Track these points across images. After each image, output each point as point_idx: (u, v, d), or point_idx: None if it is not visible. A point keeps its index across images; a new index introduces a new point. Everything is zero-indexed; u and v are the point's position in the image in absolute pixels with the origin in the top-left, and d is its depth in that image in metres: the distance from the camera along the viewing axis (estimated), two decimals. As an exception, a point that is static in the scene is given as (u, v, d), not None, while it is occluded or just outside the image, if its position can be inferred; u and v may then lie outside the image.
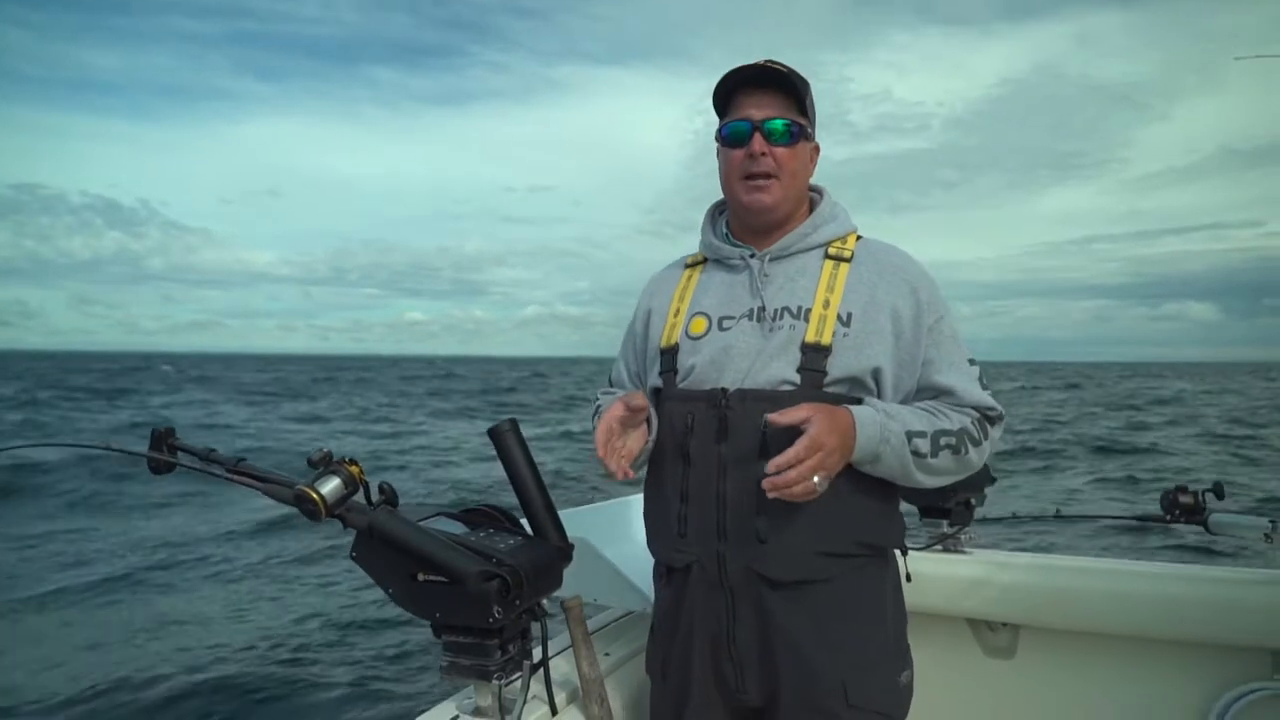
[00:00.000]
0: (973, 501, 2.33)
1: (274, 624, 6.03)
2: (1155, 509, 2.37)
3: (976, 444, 1.43)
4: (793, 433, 1.27)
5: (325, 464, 1.27)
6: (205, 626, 6.07)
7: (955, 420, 1.42)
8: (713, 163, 1.55)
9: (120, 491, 11.70)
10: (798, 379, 1.40)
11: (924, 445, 1.37)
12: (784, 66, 1.46)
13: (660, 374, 1.54)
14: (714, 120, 1.54)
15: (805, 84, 1.47)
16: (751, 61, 1.46)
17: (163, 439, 1.51)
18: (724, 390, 1.42)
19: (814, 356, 1.40)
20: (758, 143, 1.45)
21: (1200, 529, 2.26)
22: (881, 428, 1.34)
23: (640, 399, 1.45)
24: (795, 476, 1.24)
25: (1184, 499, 2.29)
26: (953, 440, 1.40)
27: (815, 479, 1.26)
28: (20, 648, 5.65)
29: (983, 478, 2.34)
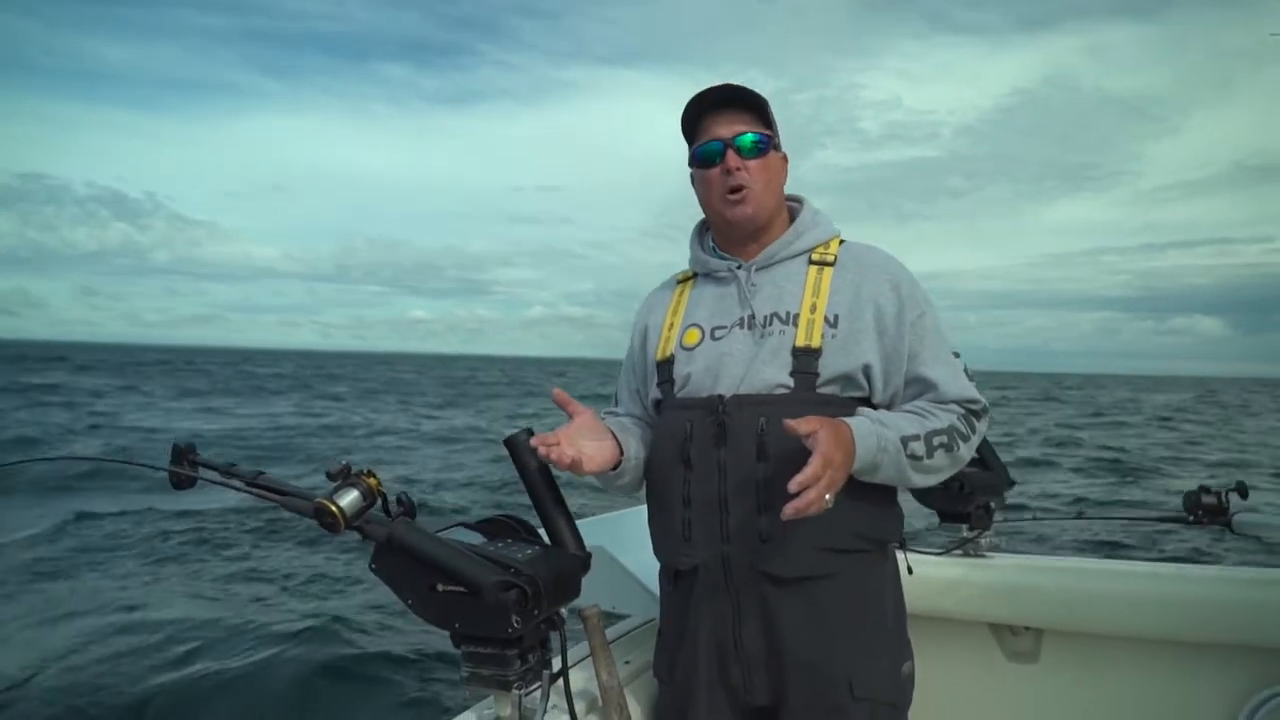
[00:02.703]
0: (993, 505, 2.32)
1: (285, 631, 6.04)
2: (1178, 509, 2.35)
3: (965, 439, 1.48)
4: (790, 437, 1.30)
5: (344, 476, 1.28)
6: (211, 628, 6.09)
7: (944, 419, 1.46)
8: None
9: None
10: (791, 382, 1.46)
11: (919, 448, 1.42)
12: (741, 86, 1.54)
13: (659, 385, 1.60)
14: None
15: (764, 99, 1.56)
16: (714, 84, 1.55)
17: (184, 454, 1.53)
18: (721, 397, 1.47)
19: (805, 359, 1.46)
20: (731, 158, 1.53)
21: (1224, 529, 2.24)
22: (878, 437, 1.38)
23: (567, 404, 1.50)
24: (815, 496, 1.25)
25: (1207, 499, 2.27)
26: (944, 439, 1.44)
27: (827, 496, 1.29)
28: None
29: (1002, 481, 2.33)
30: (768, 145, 1.55)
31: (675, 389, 1.56)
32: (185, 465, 1.52)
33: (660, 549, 1.59)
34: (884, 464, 1.39)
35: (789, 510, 1.25)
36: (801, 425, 1.29)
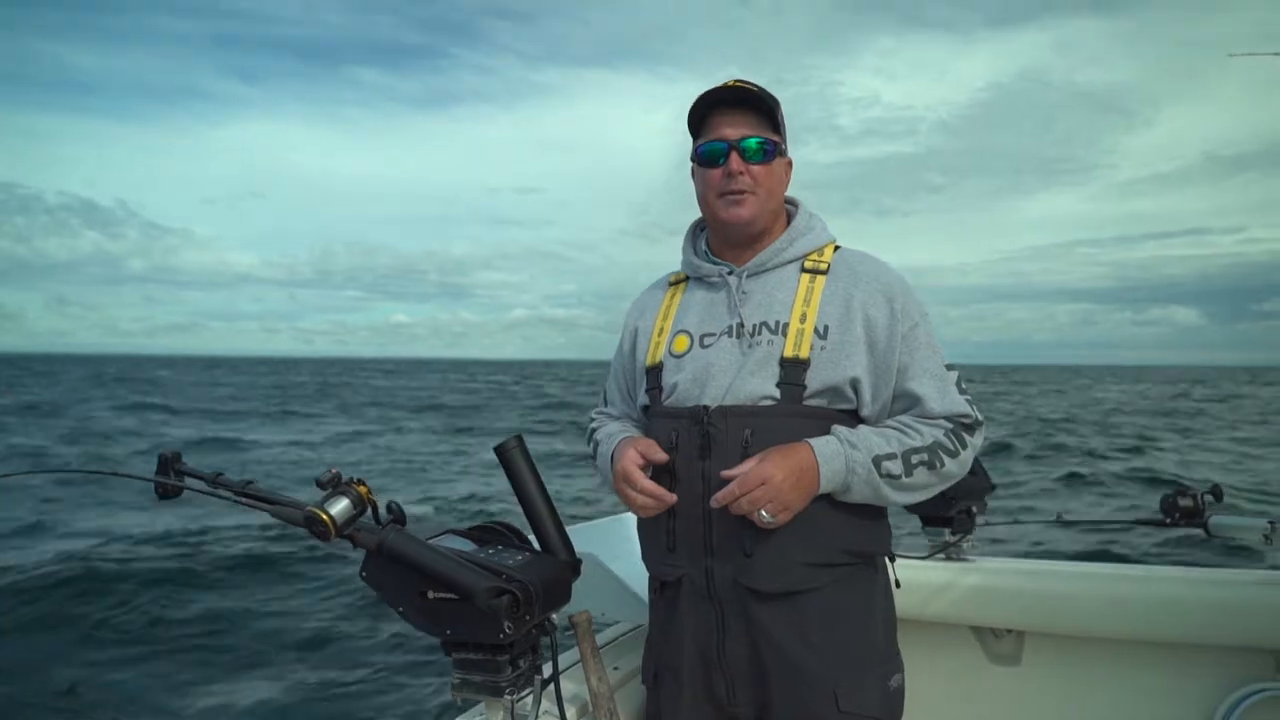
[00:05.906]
0: (974, 509, 2.34)
1: (280, 639, 5.99)
2: (1155, 512, 2.39)
3: (953, 455, 1.44)
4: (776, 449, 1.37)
5: (334, 485, 1.28)
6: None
7: (926, 435, 1.44)
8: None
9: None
10: (778, 393, 1.44)
11: (895, 467, 1.40)
12: (755, 86, 1.51)
13: (647, 391, 1.60)
14: None
15: (776, 101, 1.53)
16: (724, 82, 1.51)
17: (170, 463, 1.52)
18: (706, 407, 1.46)
19: (793, 370, 1.44)
20: (735, 161, 1.50)
21: (1200, 531, 2.27)
22: (846, 459, 1.38)
23: (660, 454, 1.48)
24: (745, 505, 1.34)
25: (1183, 502, 2.31)
26: (925, 456, 1.42)
27: (763, 513, 1.32)
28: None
29: (983, 485, 2.35)
30: (774, 151, 1.52)
31: (663, 396, 1.55)
32: (171, 475, 1.52)
33: (647, 558, 1.59)
34: (855, 485, 1.39)
35: (715, 499, 1.36)
36: (739, 468, 1.36)
